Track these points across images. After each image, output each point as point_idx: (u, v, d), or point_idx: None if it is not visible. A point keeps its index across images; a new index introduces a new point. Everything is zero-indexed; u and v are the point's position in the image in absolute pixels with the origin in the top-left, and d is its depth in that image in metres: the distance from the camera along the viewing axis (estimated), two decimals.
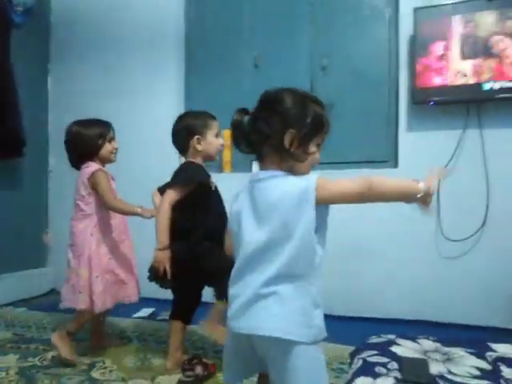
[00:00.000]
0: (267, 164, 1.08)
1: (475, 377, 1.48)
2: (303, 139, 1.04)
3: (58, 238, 3.15)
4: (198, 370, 1.67)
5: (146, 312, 2.57)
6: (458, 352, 1.69)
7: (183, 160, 2.80)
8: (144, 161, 2.84)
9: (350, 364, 1.66)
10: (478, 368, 1.55)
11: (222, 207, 1.77)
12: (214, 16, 2.92)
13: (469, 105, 2.29)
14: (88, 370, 1.80)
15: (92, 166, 1.88)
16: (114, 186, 1.94)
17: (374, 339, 1.87)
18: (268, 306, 1.00)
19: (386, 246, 2.42)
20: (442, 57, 2.27)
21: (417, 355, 1.69)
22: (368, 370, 1.55)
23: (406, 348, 1.77)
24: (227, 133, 2.42)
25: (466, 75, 2.24)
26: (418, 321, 2.33)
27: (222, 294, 1.66)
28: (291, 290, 1.00)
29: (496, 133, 2.26)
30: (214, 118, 1.82)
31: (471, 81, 2.23)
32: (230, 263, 1.13)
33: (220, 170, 2.72)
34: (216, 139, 1.82)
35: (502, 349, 1.72)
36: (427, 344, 1.80)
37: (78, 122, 1.93)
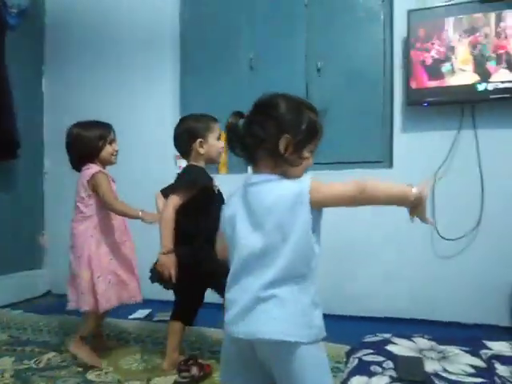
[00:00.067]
0: (261, 168, 1.08)
1: (470, 374, 1.49)
2: (298, 145, 1.04)
3: (54, 240, 3.15)
4: (194, 370, 1.68)
5: (142, 313, 2.57)
6: (452, 350, 1.70)
7: (179, 162, 2.85)
8: (139, 162, 2.84)
9: (346, 363, 1.67)
10: (472, 366, 1.56)
11: None
12: (210, 17, 2.93)
13: (463, 105, 2.31)
14: (83, 372, 1.79)
15: (92, 168, 1.87)
16: (115, 188, 1.93)
17: (370, 338, 1.88)
18: (268, 310, 1.00)
19: (381, 246, 2.43)
20: (435, 58, 2.29)
21: (412, 354, 1.70)
22: (363, 368, 1.56)
23: (401, 346, 1.78)
24: (223, 134, 2.42)
25: (459, 76, 2.26)
26: (413, 319, 2.34)
27: None
28: (290, 291, 1.01)
29: (490, 133, 2.28)
30: (215, 120, 1.82)
31: (465, 82, 2.25)
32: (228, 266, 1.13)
33: (216, 171, 2.73)
34: (218, 142, 1.83)
35: (497, 346, 1.73)
36: (422, 342, 1.81)
37: (79, 124, 1.92)
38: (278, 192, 1.04)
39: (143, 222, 1.82)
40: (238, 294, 1.04)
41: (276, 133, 1.03)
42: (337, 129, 2.61)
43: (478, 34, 2.23)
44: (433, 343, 1.80)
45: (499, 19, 2.19)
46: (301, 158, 1.06)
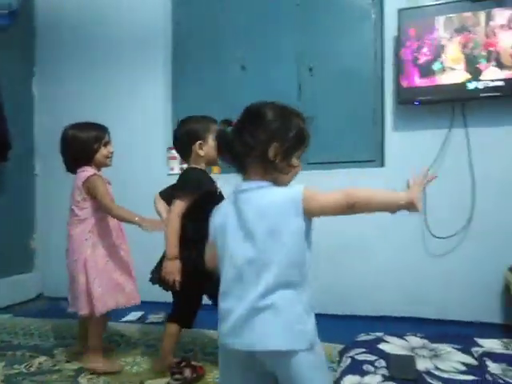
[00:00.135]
0: (251, 175, 1.09)
1: (461, 372, 1.50)
2: (287, 152, 1.06)
3: (45, 243, 3.13)
4: (187, 372, 1.67)
5: (134, 315, 2.56)
6: (444, 348, 1.70)
7: (171, 164, 2.84)
8: (131, 163, 2.82)
9: (339, 362, 1.67)
10: (464, 363, 1.56)
11: None
12: (202, 17, 2.92)
13: (454, 104, 2.32)
14: (75, 375, 1.78)
15: (87, 171, 1.85)
16: (111, 191, 1.91)
17: (363, 337, 1.88)
18: (265, 320, 1.00)
19: (373, 245, 2.44)
20: (426, 57, 2.30)
21: (404, 352, 1.70)
22: (356, 368, 1.56)
23: (393, 345, 1.78)
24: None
25: (450, 75, 2.26)
26: (406, 318, 2.35)
27: None
28: (285, 299, 1.01)
29: (481, 131, 2.29)
30: (215, 121, 1.79)
31: (456, 80, 2.26)
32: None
33: (209, 171, 2.71)
34: None
35: (488, 344, 1.74)
36: (415, 341, 1.82)
37: (74, 126, 1.90)
38: (270, 198, 1.05)
39: (141, 228, 1.77)
40: (234, 303, 1.04)
41: (265, 140, 1.05)
42: (329, 128, 2.62)
43: (468, 33, 2.24)
44: (425, 341, 1.80)
45: (489, 18, 2.20)
46: (290, 166, 1.08)
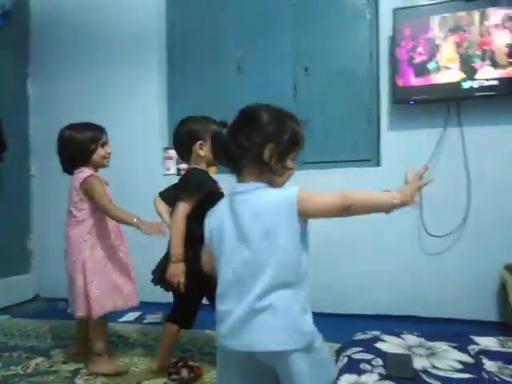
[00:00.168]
0: (245, 176, 1.10)
1: (458, 370, 1.50)
2: (281, 153, 1.08)
3: (42, 244, 3.12)
4: (184, 373, 1.67)
5: (132, 316, 2.55)
6: (441, 346, 1.71)
7: (167, 164, 2.84)
8: (126, 163, 2.81)
9: (336, 361, 1.67)
10: (460, 361, 1.57)
11: None
12: (197, 17, 2.92)
13: (449, 103, 2.33)
14: (72, 376, 1.77)
15: (84, 172, 1.83)
16: (108, 191, 1.89)
17: (360, 336, 1.89)
18: (264, 321, 1.01)
19: (369, 244, 2.44)
20: (421, 56, 2.30)
21: (401, 351, 1.71)
22: (353, 367, 1.57)
23: (390, 344, 1.79)
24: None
25: (445, 74, 2.27)
26: (402, 316, 2.35)
27: None
28: (283, 300, 1.02)
29: (476, 130, 2.30)
30: (215, 122, 1.79)
31: (451, 79, 2.27)
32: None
33: None
34: None
35: (485, 342, 1.75)
36: (411, 339, 1.83)
37: (71, 126, 1.88)
38: (267, 198, 1.06)
39: (140, 230, 1.76)
40: (232, 305, 1.05)
41: (260, 142, 1.06)
42: (324, 128, 2.63)
43: (462, 32, 2.25)
44: (421, 340, 1.81)
45: (483, 17, 2.21)
46: (284, 168, 1.10)
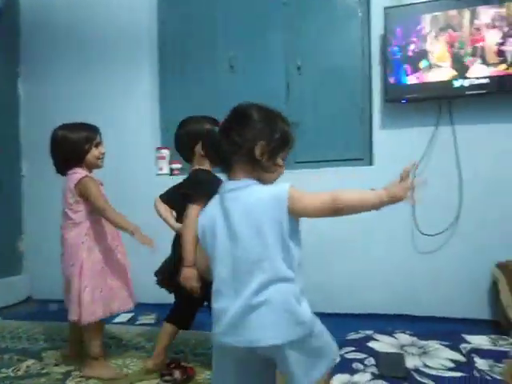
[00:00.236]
0: (237, 174, 1.12)
1: (450, 369, 1.51)
2: (272, 152, 1.11)
3: (34, 245, 3.10)
4: (177, 374, 1.66)
5: (125, 317, 2.54)
6: (433, 345, 1.72)
7: (160, 164, 2.82)
8: (118, 164, 2.79)
9: None
10: (452, 360, 1.58)
11: None
12: (188, 17, 2.90)
13: (440, 102, 2.33)
14: (63, 379, 1.76)
15: (79, 173, 1.80)
16: (103, 192, 1.86)
17: (352, 335, 1.90)
18: (260, 316, 1.02)
19: (361, 243, 2.44)
20: (412, 55, 2.31)
21: (394, 350, 1.72)
22: (345, 366, 1.57)
23: (383, 343, 1.79)
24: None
25: (436, 73, 2.28)
26: (395, 315, 2.35)
27: None
28: (279, 294, 1.03)
29: (467, 129, 2.31)
30: (216, 121, 1.77)
31: (442, 78, 2.27)
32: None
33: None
34: None
35: (476, 340, 1.76)
36: (404, 338, 1.84)
37: (64, 126, 1.85)
38: (258, 196, 1.07)
39: (135, 238, 1.73)
40: (228, 302, 1.06)
41: (252, 140, 1.09)
42: (317, 127, 2.63)
43: (453, 31, 2.25)
44: (414, 338, 1.82)
45: (474, 15, 2.21)
46: (275, 165, 1.13)
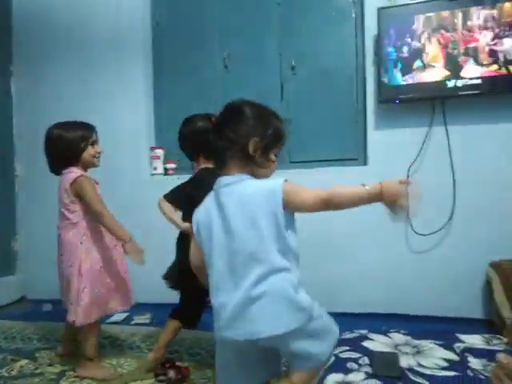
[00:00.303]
0: (231, 169, 1.14)
1: (443, 368, 1.52)
2: (265, 148, 1.13)
3: (27, 245, 3.08)
4: (171, 373, 1.66)
5: (119, 317, 2.53)
6: (427, 344, 1.73)
7: (154, 163, 2.82)
8: (113, 163, 2.78)
9: None
10: (446, 359, 1.59)
11: None
12: (182, 17, 2.89)
13: (434, 102, 2.34)
14: (57, 379, 1.75)
15: (74, 172, 1.77)
16: (99, 191, 1.84)
17: (347, 335, 1.90)
18: (261, 307, 1.04)
19: (355, 242, 2.45)
20: (406, 55, 2.31)
21: (388, 349, 1.73)
22: (340, 365, 1.58)
23: (377, 342, 1.80)
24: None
25: (430, 73, 2.29)
26: (390, 314, 2.36)
27: None
28: (278, 284, 1.05)
29: (460, 129, 2.32)
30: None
31: (435, 78, 2.28)
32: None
33: (192, 170, 2.69)
34: None
35: (470, 339, 1.77)
36: (398, 337, 1.85)
37: (59, 125, 1.82)
38: (252, 189, 1.10)
39: (124, 248, 1.73)
40: (227, 296, 1.07)
41: (246, 136, 1.11)
42: (311, 127, 2.63)
43: (446, 31, 2.26)
44: (408, 338, 1.83)
45: (467, 16, 2.23)
46: (268, 161, 1.15)
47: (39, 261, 2.89)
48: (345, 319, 2.35)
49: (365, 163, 2.51)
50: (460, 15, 2.23)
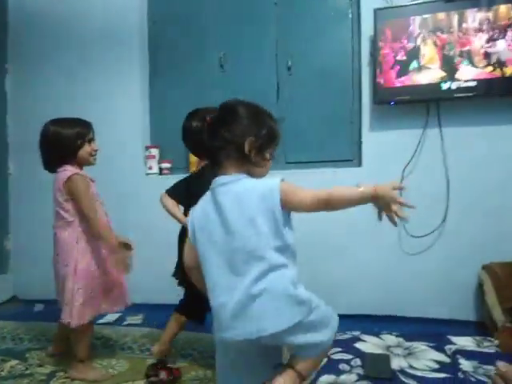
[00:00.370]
0: (227, 169, 1.15)
1: (434, 370, 1.52)
2: (260, 147, 1.14)
3: (19, 244, 3.06)
4: (162, 375, 1.65)
5: (112, 317, 2.51)
6: (418, 346, 1.74)
7: (149, 163, 2.80)
8: (108, 162, 2.76)
9: None
10: (437, 361, 1.59)
11: None
12: (179, 17, 2.88)
13: (428, 104, 2.34)
14: (47, 379, 1.74)
15: (68, 170, 1.74)
16: (95, 189, 1.82)
17: (339, 336, 1.90)
18: (262, 304, 1.04)
19: (349, 244, 2.44)
20: (401, 57, 2.31)
21: (380, 351, 1.72)
22: (332, 367, 1.58)
23: (369, 344, 1.80)
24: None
25: (425, 75, 2.29)
26: (382, 316, 2.36)
27: None
28: (277, 281, 1.06)
29: (454, 131, 2.32)
30: None
31: (430, 80, 2.28)
32: None
33: (187, 170, 2.69)
34: None
35: (461, 341, 1.77)
36: (390, 339, 1.85)
37: (56, 121, 1.79)
38: (249, 188, 1.10)
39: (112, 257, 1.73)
40: (226, 296, 1.07)
41: (241, 135, 1.12)
42: (306, 128, 2.63)
43: (442, 33, 2.26)
44: (400, 339, 1.83)
45: (462, 18, 2.23)
46: (264, 160, 1.16)
47: (31, 260, 2.87)
48: (339, 321, 2.37)
49: (359, 164, 2.51)
50: (456, 17, 2.24)
